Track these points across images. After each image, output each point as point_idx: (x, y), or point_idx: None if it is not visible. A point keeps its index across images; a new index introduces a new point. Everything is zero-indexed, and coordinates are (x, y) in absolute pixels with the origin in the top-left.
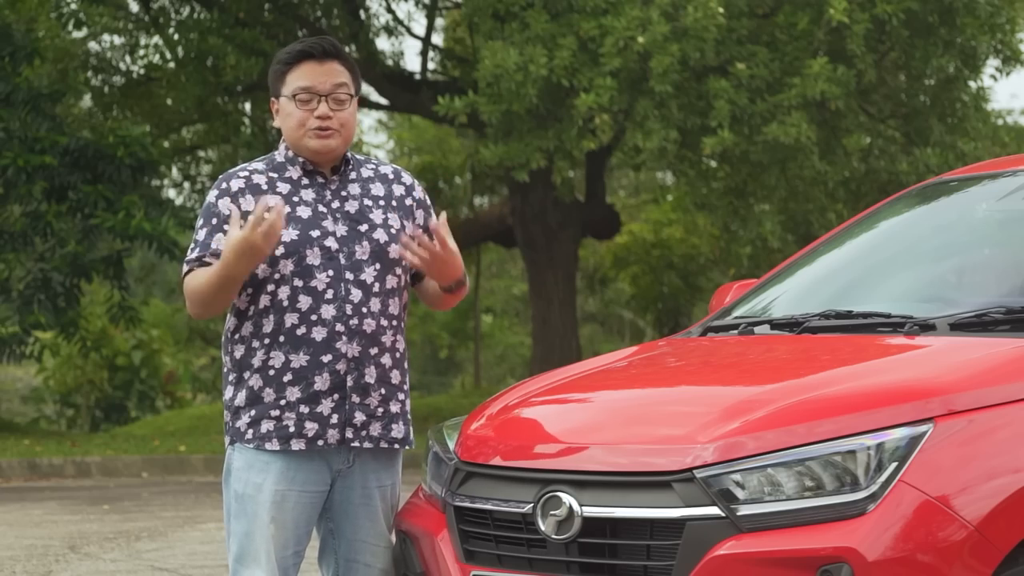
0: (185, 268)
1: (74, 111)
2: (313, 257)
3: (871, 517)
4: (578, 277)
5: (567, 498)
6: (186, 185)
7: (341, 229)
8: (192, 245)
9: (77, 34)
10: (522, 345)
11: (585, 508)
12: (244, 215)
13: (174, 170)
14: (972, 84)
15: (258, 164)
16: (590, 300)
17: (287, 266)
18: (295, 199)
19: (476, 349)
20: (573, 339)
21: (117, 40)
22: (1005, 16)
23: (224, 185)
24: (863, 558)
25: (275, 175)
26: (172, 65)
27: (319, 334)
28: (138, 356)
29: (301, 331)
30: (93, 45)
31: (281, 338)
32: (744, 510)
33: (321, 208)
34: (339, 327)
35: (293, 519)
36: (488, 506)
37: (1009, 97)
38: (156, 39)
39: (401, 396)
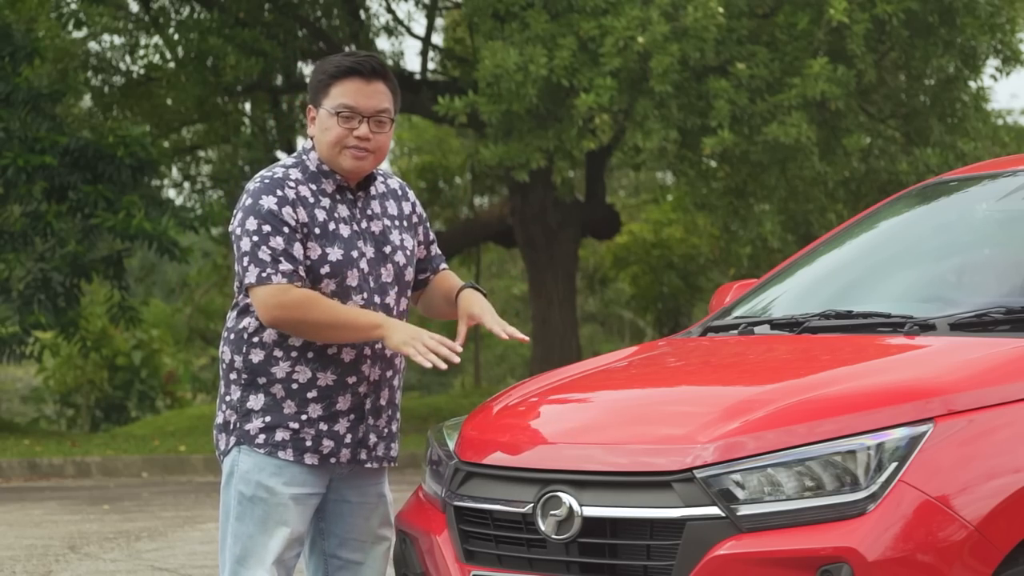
0: (279, 278)
1: (74, 111)
2: (352, 278)
3: (871, 517)
4: (578, 277)
5: (567, 498)
6: (186, 185)
7: (370, 251)
8: (268, 253)
9: (77, 34)
10: (522, 345)
11: (585, 508)
12: (300, 226)
13: (174, 170)
14: (972, 84)
15: (293, 170)
16: (590, 300)
17: (329, 285)
18: (336, 215)
19: (476, 349)
20: (573, 339)
21: (117, 40)
22: (1005, 16)
23: (280, 193)
24: (863, 558)
25: (314, 187)
26: (172, 65)
27: (348, 355)
28: (138, 356)
29: (332, 351)
30: (93, 45)
31: (310, 354)
32: (744, 510)
33: (355, 227)
34: (367, 350)
35: (301, 521)
36: (488, 506)
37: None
38: (156, 39)
39: (398, 416)
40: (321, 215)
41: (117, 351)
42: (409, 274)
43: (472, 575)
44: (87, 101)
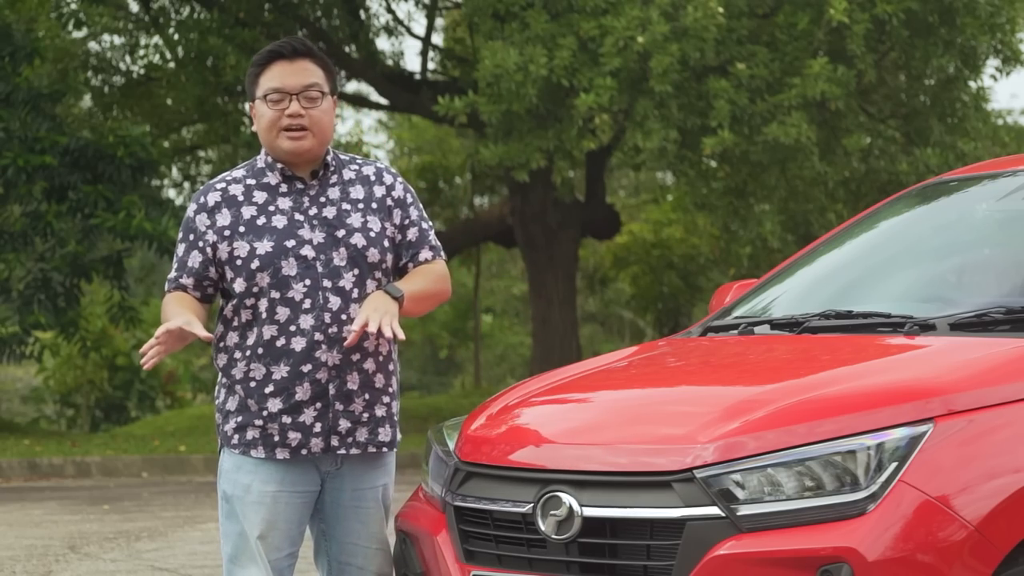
0: (167, 286)
1: (74, 111)
2: (289, 268)
3: (871, 517)
4: (578, 277)
5: (567, 498)
6: (186, 185)
7: (318, 236)
8: (173, 261)
9: (77, 34)
10: (522, 345)
11: (585, 508)
12: (219, 230)
13: (174, 170)
14: (972, 84)
15: (239, 171)
16: (590, 300)
17: (264, 279)
18: (271, 208)
19: (476, 349)
20: (573, 339)
21: (117, 40)
22: (1005, 16)
23: (202, 200)
24: (863, 558)
25: (253, 182)
26: (172, 65)
27: (298, 344)
28: (138, 356)
29: (280, 343)
30: (93, 45)
31: (260, 350)
32: (744, 510)
33: (298, 216)
34: (318, 336)
35: (285, 520)
36: (488, 506)
37: (1009, 97)
38: (156, 39)
39: (387, 399)
40: (249, 212)
41: (117, 351)
42: (373, 255)
43: (472, 575)
44: (87, 101)
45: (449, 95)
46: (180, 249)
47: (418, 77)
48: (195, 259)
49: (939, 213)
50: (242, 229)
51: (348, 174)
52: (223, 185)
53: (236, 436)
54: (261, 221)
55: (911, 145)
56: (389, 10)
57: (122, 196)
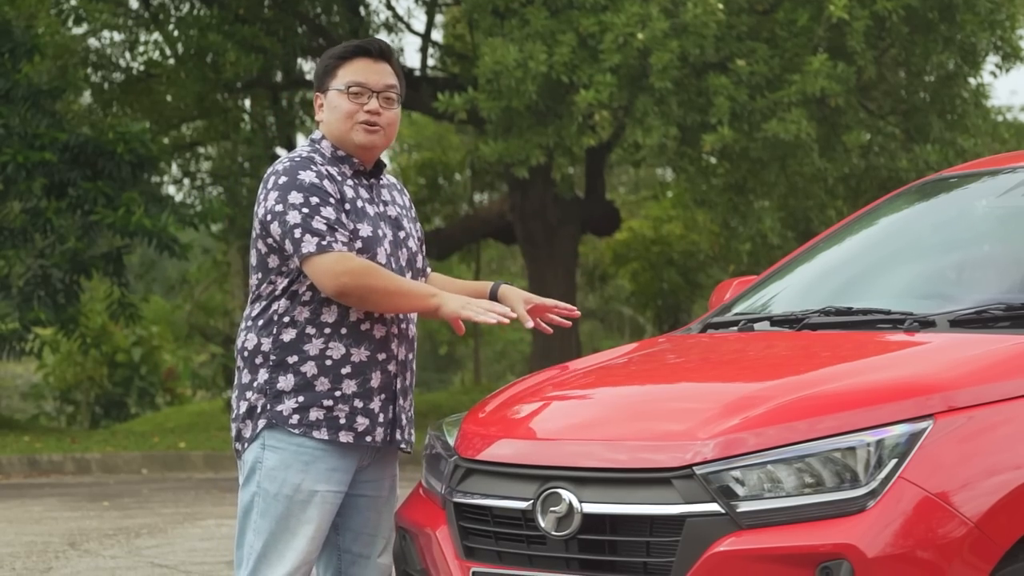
0: (340, 247)
1: (74, 107)
2: (381, 256)
3: (871, 514)
4: (578, 273)
5: (567, 494)
6: (186, 182)
7: (390, 233)
8: (323, 222)
9: (77, 30)
10: (522, 342)
11: (585, 504)
12: (338, 201)
13: (174, 166)
14: (972, 81)
15: (313, 154)
16: (590, 296)
17: None
18: (359, 194)
19: (476, 346)
20: (573, 336)
21: (117, 36)
22: (1005, 13)
23: (315, 168)
24: (863, 555)
25: (334, 169)
26: (172, 61)
27: (379, 332)
28: (138, 353)
29: (365, 327)
30: (93, 41)
31: (343, 330)
32: (744, 506)
33: (377, 208)
34: (394, 329)
35: (329, 518)
36: (488, 502)
37: (1009, 94)
38: (156, 35)
39: (412, 401)
40: (350, 192)
41: (117, 348)
42: (419, 261)
43: (472, 572)
44: (87, 97)
45: (449, 92)
46: (328, 211)
47: (418, 73)
48: (347, 222)
49: (939, 210)
50: (347, 207)
51: (386, 179)
52: (319, 163)
53: (296, 416)
54: (360, 204)
55: (911, 142)
56: (389, 6)
57: (122, 192)
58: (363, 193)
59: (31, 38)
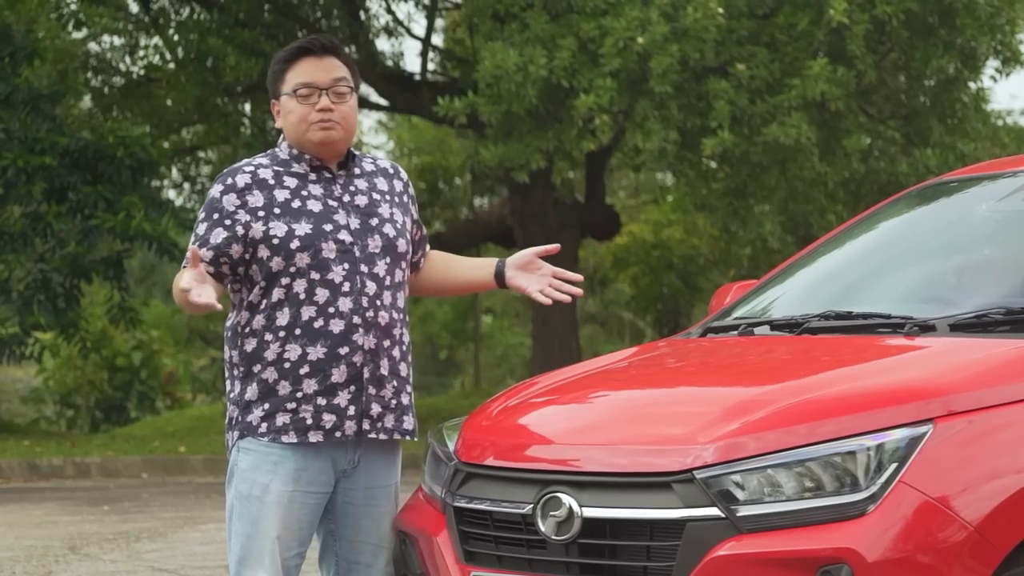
0: (184, 263)
1: (74, 112)
2: (328, 250)
3: (871, 518)
4: None
5: (567, 499)
6: (186, 186)
7: (354, 222)
8: (192, 238)
9: (77, 35)
10: (522, 346)
11: (585, 509)
12: (252, 210)
13: (174, 171)
14: (972, 85)
15: (262, 159)
16: (590, 301)
17: (303, 259)
18: (303, 193)
19: (476, 350)
20: (573, 340)
21: (117, 41)
22: (1005, 17)
23: (230, 181)
24: (863, 559)
25: (280, 169)
26: (172, 66)
27: (336, 326)
28: (138, 357)
29: (319, 324)
30: (93, 46)
31: (297, 331)
32: (744, 511)
33: (331, 202)
34: (356, 319)
35: (298, 520)
36: (488, 507)
37: (1009, 98)
38: (156, 40)
39: (408, 389)
40: (282, 195)
41: (117, 352)
42: (402, 245)
43: None
44: (87, 102)
45: (449, 96)
46: (201, 228)
47: (418, 78)
48: (218, 236)
49: (939, 214)
50: (277, 210)
51: (368, 166)
52: (251, 168)
53: (264, 424)
54: (296, 204)
55: (911, 146)
56: (389, 11)
57: (122, 197)
58: (314, 190)
59: (31, 42)
